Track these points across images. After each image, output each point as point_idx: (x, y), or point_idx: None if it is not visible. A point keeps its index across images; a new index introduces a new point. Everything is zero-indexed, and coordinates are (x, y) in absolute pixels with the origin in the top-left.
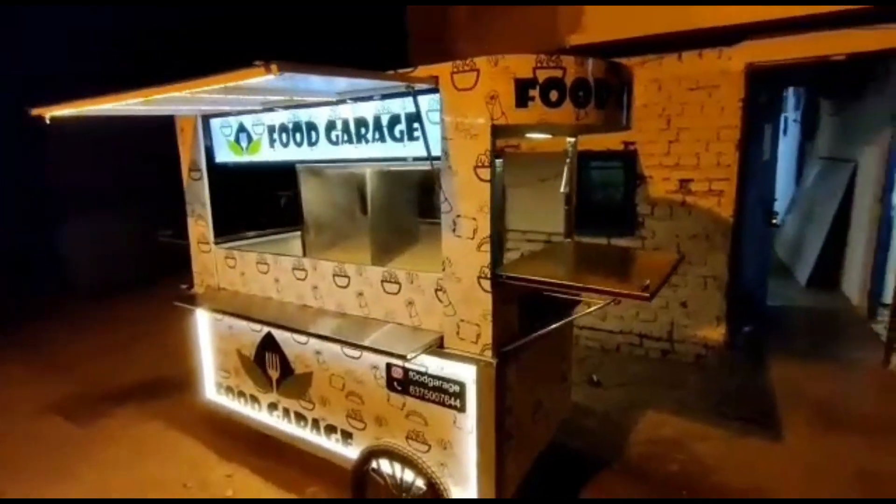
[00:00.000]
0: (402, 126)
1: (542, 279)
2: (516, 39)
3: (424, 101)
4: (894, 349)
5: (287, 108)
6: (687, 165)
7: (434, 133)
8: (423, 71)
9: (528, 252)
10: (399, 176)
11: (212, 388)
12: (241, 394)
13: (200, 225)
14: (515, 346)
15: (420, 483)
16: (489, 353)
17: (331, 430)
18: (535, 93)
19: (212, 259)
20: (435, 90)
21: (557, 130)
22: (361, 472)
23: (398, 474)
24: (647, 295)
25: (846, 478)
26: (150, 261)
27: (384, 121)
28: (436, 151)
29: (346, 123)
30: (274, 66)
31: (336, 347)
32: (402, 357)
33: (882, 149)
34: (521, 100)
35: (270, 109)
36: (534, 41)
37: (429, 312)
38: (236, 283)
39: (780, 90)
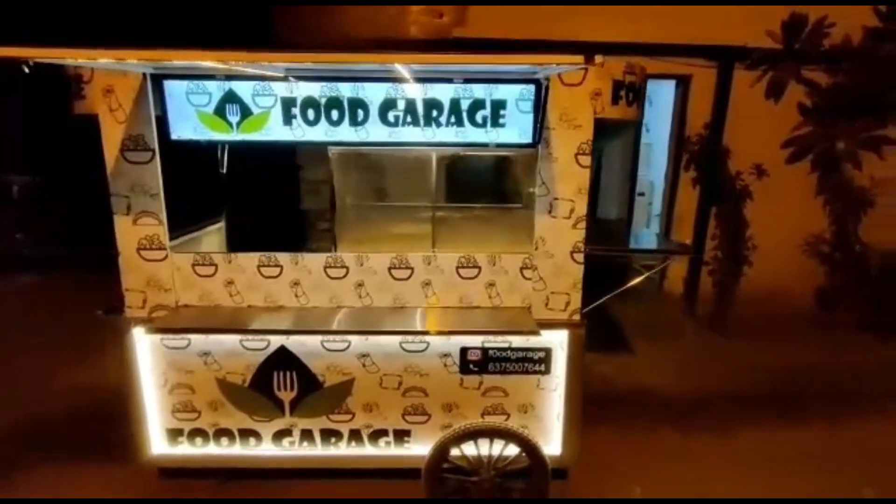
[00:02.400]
0: (485, 112)
1: (618, 249)
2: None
3: (515, 90)
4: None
5: (321, 78)
6: None
7: (524, 121)
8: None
9: None
10: (461, 161)
11: (161, 442)
12: (223, 433)
13: (146, 225)
14: (589, 308)
15: (509, 452)
16: (577, 316)
17: (379, 435)
18: (622, 93)
19: (166, 270)
20: (529, 81)
21: (620, 124)
22: (440, 462)
23: (485, 453)
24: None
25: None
26: None
27: (464, 105)
28: (526, 139)
29: (411, 104)
30: (599, 58)
31: (393, 345)
32: (535, 332)
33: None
34: (615, 98)
35: (275, 77)
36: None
37: (512, 291)
38: (216, 296)
39: None
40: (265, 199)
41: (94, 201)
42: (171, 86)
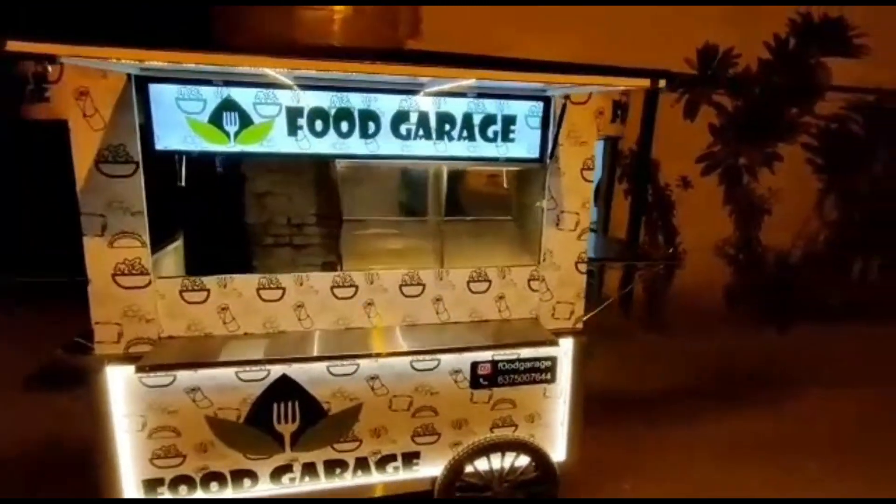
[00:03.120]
0: (496, 127)
1: (615, 257)
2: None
3: (525, 107)
4: None
5: (326, 88)
6: None
7: (532, 137)
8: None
9: None
10: (463, 176)
11: (137, 495)
12: (212, 478)
13: (125, 247)
14: (589, 315)
15: (520, 463)
16: (580, 325)
17: (387, 461)
18: (618, 111)
19: (149, 298)
20: (538, 98)
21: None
22: (455, 480)
23: (495, 466)
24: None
25: None
26: None
27: (476, 119)
28: (533, 154)
29: (424, 117)
30: (662, 82)
31: (403, 365)
32: (553, 342)
33: None
34: (614, 116)
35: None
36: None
37: (520, 303)
38: (206, 325)
39: None
40: (216, 214)
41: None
42: (158, 90)
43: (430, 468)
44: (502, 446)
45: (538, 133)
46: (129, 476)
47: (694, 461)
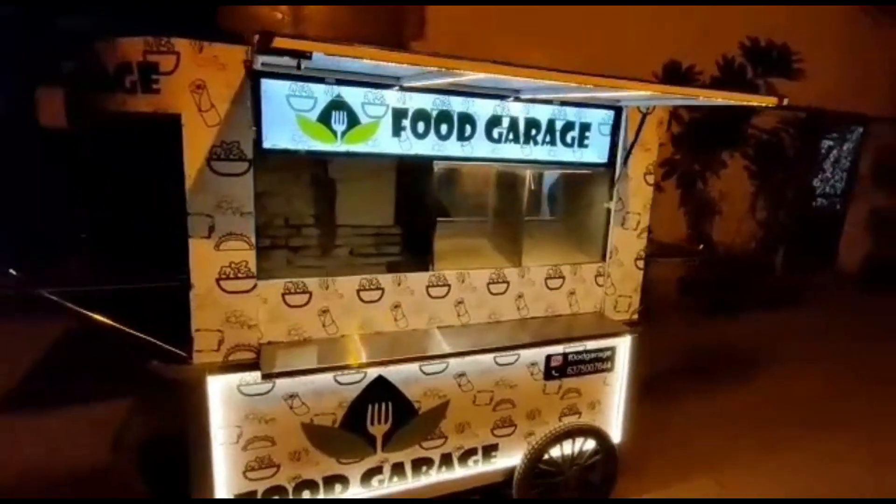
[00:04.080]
0: (574, 133)
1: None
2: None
3: (599, 115)
4: None
5: (433, 91)
6: None
7: (602, 143)
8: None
9: None
10: (538, 178)
11: None
12: (305, 486)
13: (233, 249)
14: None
15: (587, 447)
16: (636, 316)
17: (468, 455)
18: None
19: (252, 302)
20: (610, 108)
21: None
22: (534, 468)
23: (567, 452)
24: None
25: None
26: None
27: (558, 125)
28: (602, 159)
29: (514, 121)
30: (786, 100)
31: (488, 361)
32: (633, 331)
33: None
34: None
35: (389, 87)
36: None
37: (587, 297)
38: (306, 328)
39: None
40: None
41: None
42: (270, 86)
43: (506, 459)
44: (575, 432)
45: (608, 140)
46: (222, 492)
47: (693, 434)
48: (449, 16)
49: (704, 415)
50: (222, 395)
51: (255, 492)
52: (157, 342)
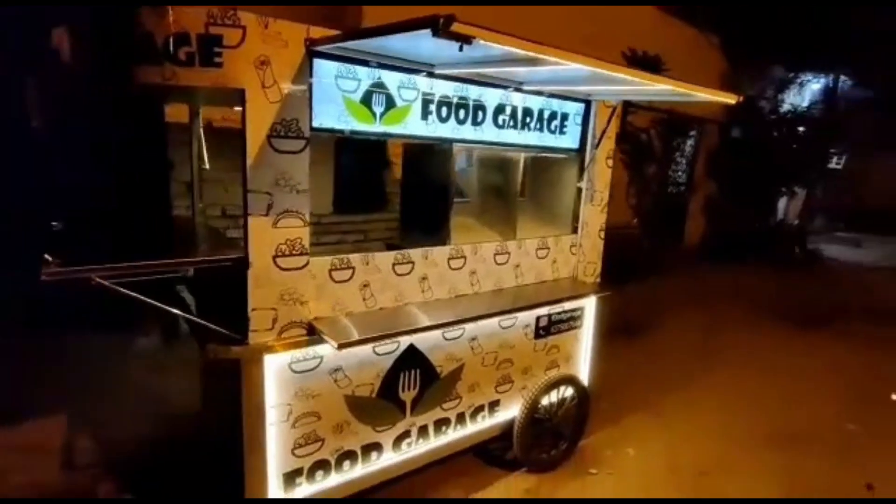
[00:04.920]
0: (557, 122)
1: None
2: None
3: (575, 106)
4: None
5: (453, 79)
6: None
7: (576, 131)
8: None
9: None
10: (514, 161)
11: (276, 492)
12: (346, 457)
13: (289, 227)
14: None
15: (568, 394)
16: (599, 279)
17: (478, 412)
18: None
19: (305, 279)
20: (583, 101)
21: None
22: (532, 415)
23: (553, 399)
24: None
25: None
26: None
27: (545, 114)
28: (575, 145)
29: (514, 110)
30: (741, 98)
31: (493, 325)
32: (608, 291)
33: None
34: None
35: (420, 73)
36: None
37: (564, 265)
38: (348, 303)
39: None
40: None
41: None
42: (321, 66)
43: (506, 413)
44: (561, 382)
45: (580, 129)
46: (273, 473)
47: (626, 379)
48: (386, 16)
49: (626, 365)
50: (276, 373)
51: (301, 469)
52: (212, 325)
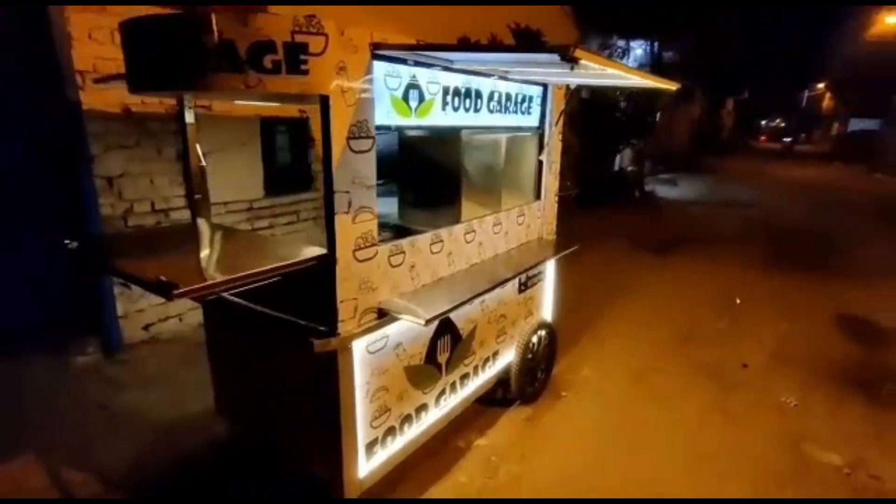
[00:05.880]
0: (526, 104)
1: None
2: None
3: (536, 90)
4: None
5: (461, 71)
6: None
7: (537, 112)
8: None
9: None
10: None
11: (364, 464)
12: (406, 421)
13: (363, 221)
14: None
15: (543, 334)
16: (554, 235)
17: (486, 362)
18: None
19: (374, 266)
20: (541, 84)
21: None
22: (526, 355)
23: (534, 340)
24: None
25: None
26: None
27: (519, 98)
28: (536, 124)
29: (500, 96)
30: (679, 86)
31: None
32: (574, 248)
33: None
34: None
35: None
36: None
37: (533, 228)
38: (401, 284)
39: None
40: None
41: None
42: (376, 67)
43: (503, 360)
44: (541, 326)
45: (539, 109)
46: (362, 446)
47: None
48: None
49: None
50: (360, 357)
51: (377, 439)
52: (301, 321)
